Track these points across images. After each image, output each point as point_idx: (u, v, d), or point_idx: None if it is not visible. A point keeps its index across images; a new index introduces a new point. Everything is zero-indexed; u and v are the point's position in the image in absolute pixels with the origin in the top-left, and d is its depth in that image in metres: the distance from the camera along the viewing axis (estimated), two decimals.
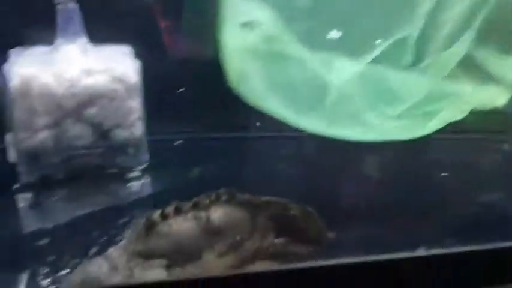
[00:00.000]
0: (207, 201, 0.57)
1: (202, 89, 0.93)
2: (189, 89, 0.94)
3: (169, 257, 0.54)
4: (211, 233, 0.56)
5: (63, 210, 0.75)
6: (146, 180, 0.83)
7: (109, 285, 0.52)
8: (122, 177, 0.82)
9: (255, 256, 0.60)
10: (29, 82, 0.73)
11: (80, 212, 0.73)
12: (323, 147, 0.96)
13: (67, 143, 0.77)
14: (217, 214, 0.57)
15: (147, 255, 0.54)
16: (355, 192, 0.82)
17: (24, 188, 0.77)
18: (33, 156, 0.76)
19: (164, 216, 0.56)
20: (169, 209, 0.57)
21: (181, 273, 0.54)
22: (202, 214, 0.56)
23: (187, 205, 0.57)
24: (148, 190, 0.82)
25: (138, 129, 0.81)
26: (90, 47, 0.80)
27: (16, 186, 0.78)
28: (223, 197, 0.59)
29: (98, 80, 0.77)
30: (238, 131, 0.96)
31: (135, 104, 0.80)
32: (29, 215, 0.74)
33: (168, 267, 0.53)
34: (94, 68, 0.77)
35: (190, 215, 0.56)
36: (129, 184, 0.82)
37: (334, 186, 0.84)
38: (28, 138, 0.75)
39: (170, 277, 0.53)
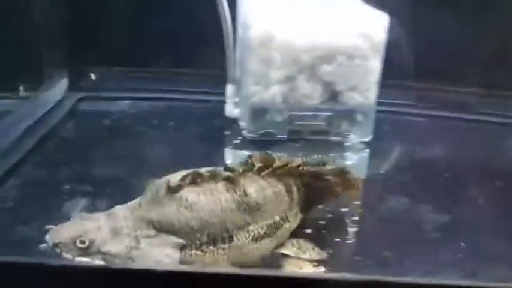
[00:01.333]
0: (240, 170, 0.46)
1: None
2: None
3: (189, 234, 0.42)
4: (247, 211, 0.44)
5: None
6: (365, 154, 0.73)
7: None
8: (341, 146, 0.74)
9: (290, 237, 0.48)
10: (270, 32, 0.66)
11: None
12: None
13: (296, 102, 0.70)
14: (255, 187, 0.45)
15: (161, 227, 0.42)
16: None
17: (245, 144, 0.73)
18: (261, 111, 0.70)
19: (191, 181, 0.43)
20: (199, 174, 0.43)
21: (199, 258, 0.42)
22: (237, 186, 0.44)
23: (218, 172, 0.45)
24: (364, 166, 0.72)
25: (372, 95, 0.71)
26: None
27: (236, 141, 0.75)
28: (257, 165, 0.47)
29: (340, 35, 0.67)
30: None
31: (376, 65, 0.69)
32: None
33: (183, 248, 0.42)
34: (336, 21, 0.68)
35: (221, 184, 0.44)
36: (347, 153, 0.72)
37: None
38: (259, 92, 0.69)
39: (184, 263, 0.41)
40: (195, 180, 0.43)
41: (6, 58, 0.61)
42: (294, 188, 0.50)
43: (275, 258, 0.47)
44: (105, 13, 0.86)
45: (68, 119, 0.77)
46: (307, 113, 0.71)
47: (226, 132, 0.77)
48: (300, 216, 0.51)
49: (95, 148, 0.69)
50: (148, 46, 0.87)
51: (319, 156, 0.54)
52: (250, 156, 0.48)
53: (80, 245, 0.40)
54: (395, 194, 0.62)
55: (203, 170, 0.44)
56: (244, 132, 0.73)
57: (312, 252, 0.48)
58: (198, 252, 0.42)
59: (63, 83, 0.82)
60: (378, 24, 0.68)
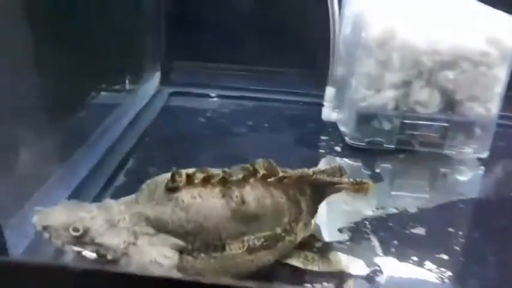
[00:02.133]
0: (241, 176, 0.41)
1: None
2: None
3: (182, 237, 0.39)
4: (243, 220, 0.41)
5: (387, 188, 0.62)
6: (480, 171, 0.67)
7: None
8: (454, 161, 0.67)
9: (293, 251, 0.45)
10: (391, 31, 0.61)
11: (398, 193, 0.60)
12: None
13: (409, 109, 0.65)
14: (254, 196, 0.41)
15: (156, 225, 0.39)
16: None
17: (347, 152, 0.68)
18: (368, 118, 0.65)
19: (188, 181, 0.40)
20: (198, 175, 0.40)
21: (190, 264, 0.39)
22: (235, 192, 0.40)
23: (217, 176, 0.41)
24: (476, 189, 0.64)
25: (494, 107, 0.64)
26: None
27: (337, 148, 0.69)
28: (261, 172, 0.42)
29: (466, 38, 0.61)
30: None
31: (502, 75, 0.63)
32: None
33: (181, 252, 0.39)
34: (462, 23, 0.62)
35: (218, 189, 0.41)
36: (460, 169, 0.66)
37: None
38: (370, 96, 0.64)
39: (181, 265, 0.39)
40: (190, 181, 0.40)
41: (116, 50, 0.60)
42: (304, 199, 0.46)
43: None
44: (198, 6, 0.85)
45: (164, 114, 0.75)
46: (420, 122, 0.65)
47: (324, 137, 0.73)
48: (310, 225, 0.47)
49: (197, 147, 0.66)
50: (238, 43, 0.84)
51: (336, 165, 0.49)
52: (252, 163, 0.44)
53: (73, 233, 0.37)
54: None
55: (198, 173, 0.41)
56: (347, 139, 0.68)
57: (321, 263, 0.45)
58: (190, 258, 0.40)
59: (157, 77, 0.81)
60: (509, 30, 0.62)
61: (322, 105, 0.75)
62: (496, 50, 0.62)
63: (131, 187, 0.54)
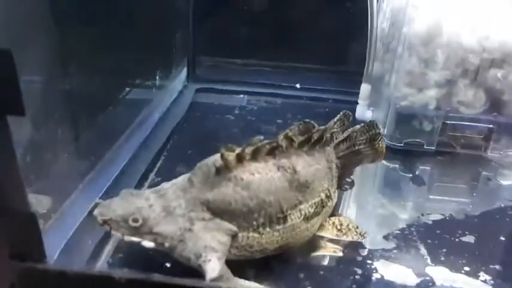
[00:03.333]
0: (284, 145, 0.42)
1: None
2: None
3: (246, 215, 0.39)
4: (298, 188, 0.42)
5: (427, 192, 0.59)
6: None
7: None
8: (495, 165, 0.63)
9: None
10: (436, 28, 0.58)
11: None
12: None
13: (452, 109, 0.62)
14: (302, 164, 0.42)
15: (217, 208, 0.38)
16: None
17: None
18: (408, 118, 0.62)
19: (240, 159, 0.39)
20: (248, 150, 0.39)
21: (256, 240, 0.40)
22: (286, 163, 0.41)
23: (264, 147, 0.40)
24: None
25: None
26: None
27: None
28: (298, 140, 0.42)
29: None
30: None
31: None
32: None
33: (235, 235, 0.39)
34: None
35: (271, 163, 0.40)
36: (503, 172, 0.62)
37: None
38: (411, 95, 0.61)
39: (240, 246, 0.40)
40: (241, 158, 0.40)
41: (148, 46, 0.58)
42: (333, 165, 0.47)
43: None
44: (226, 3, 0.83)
45: (192, 111, 0.72)
46: (463, 123, 0.62)
47: None
48: (337, 193, 0.48)
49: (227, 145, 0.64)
50: (265, 40, 0.82)
51: (340, 114, 0.52)
52: (285, 133, 0.43)
53: (132, 224, 0.37)
54: None
55: (248, 148, 0.41)
56: (387, 140, 0.64)
57: (354, 233, 0.45)
58: (255, 235, 0.39)
59: (184, 73, 0.78)
60: None
61: (353, 103, 0.72)
62: None
63: None
